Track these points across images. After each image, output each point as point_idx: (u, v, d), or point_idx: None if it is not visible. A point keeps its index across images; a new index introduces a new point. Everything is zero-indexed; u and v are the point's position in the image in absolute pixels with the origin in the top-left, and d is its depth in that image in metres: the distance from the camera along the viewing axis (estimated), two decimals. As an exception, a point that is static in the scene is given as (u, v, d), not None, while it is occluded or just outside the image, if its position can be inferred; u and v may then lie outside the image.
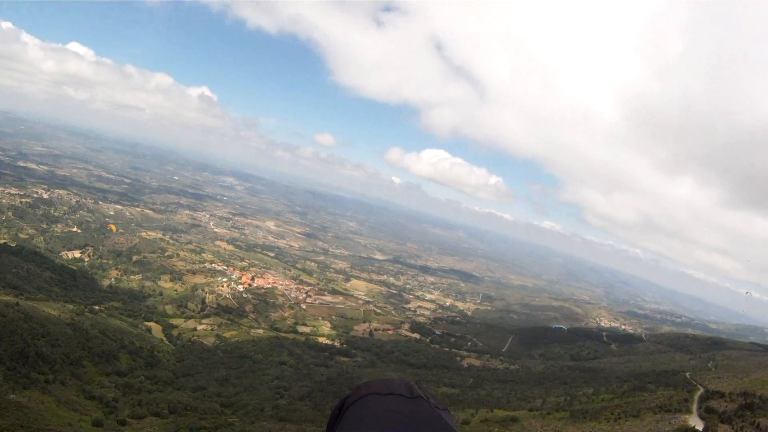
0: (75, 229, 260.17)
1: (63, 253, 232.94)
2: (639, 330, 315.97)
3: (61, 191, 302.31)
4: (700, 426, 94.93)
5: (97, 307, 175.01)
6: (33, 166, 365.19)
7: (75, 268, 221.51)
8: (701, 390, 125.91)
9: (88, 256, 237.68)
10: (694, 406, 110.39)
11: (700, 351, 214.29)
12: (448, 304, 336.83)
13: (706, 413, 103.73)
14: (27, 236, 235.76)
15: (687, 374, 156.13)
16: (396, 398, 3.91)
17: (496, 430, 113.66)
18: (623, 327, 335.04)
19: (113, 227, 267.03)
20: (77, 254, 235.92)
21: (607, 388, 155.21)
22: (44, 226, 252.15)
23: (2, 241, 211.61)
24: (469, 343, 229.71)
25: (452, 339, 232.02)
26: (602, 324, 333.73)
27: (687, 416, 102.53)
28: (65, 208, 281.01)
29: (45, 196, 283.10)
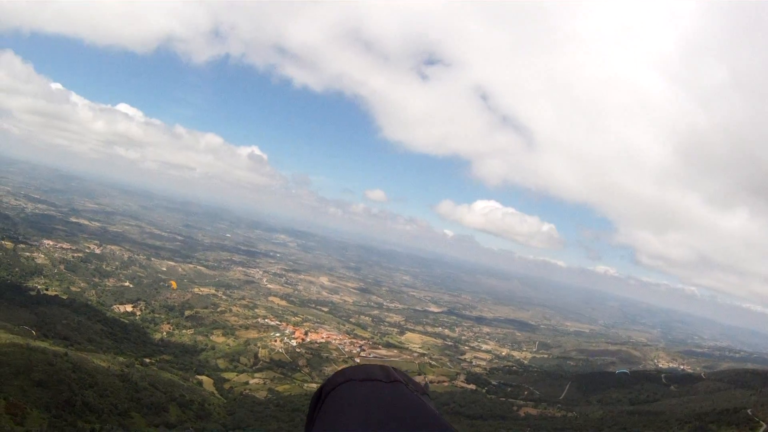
0: (127, 283, 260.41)
1: (115, 306, 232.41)
2: (698, 369, 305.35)
3: (113, 247, 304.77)
4: None
5: (147, 360, 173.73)
6: (85, 222, 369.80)
7: (126, 321, 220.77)
8: (764, 426, 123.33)
9: (140, 310, 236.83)
10: None
11: (761, 386, 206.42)
12: (504, 353, 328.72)
13: None
14: (79, 289, 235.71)
15: (749, 411, 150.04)
16: (374, 383, 3.83)
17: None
18: (681, 367, 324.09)
19: (174, 284, 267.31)
20: (129, 308, 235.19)
21: (667, 431, 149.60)
22: (96, 280, 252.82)
23: (54, 293, 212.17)
24: (526, 392, 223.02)
25: (508, 388, 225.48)
26: (660, 365, 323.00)
27: None
28: (117, 263, 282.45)
29: (97, 251, 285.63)
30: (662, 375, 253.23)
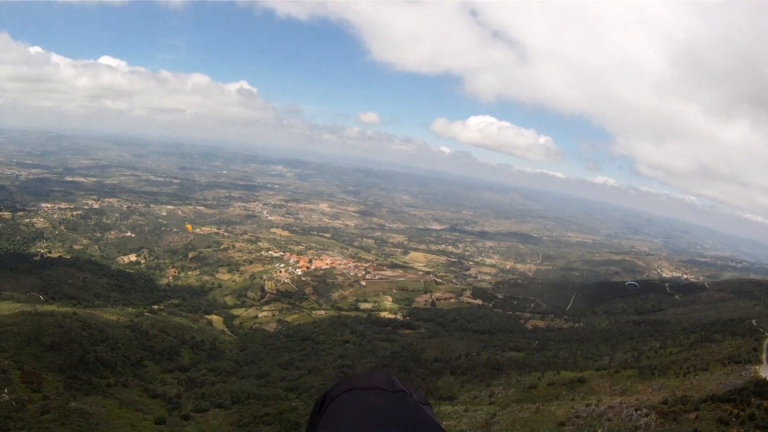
0: (128, 234, 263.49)
1: (119, 258, 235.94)
2: (701, 278, 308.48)
3: (111, 199, 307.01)
4: None
5: (156, 307, 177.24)
6: (81, 179, 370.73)
7: (132, 271, 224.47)
8: None
9: (144, 258, 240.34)
10: (764, 356, 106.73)
11: (764, 296, 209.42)
12: (508, 267, 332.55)
13: None
14: (81, 246, 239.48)
15: (753, 321, 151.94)
16: (378, 392, 3.83)
17: (563, 392, 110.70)
18: (685, 276, 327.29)
19: (189, 227, 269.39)
20: (133, 258, 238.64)
21: (673, 341, 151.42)
22: (97, 235, 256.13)
23: (57, 255, 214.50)
24: (532, 305, 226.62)
25: (515, 302, 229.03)
26: (664, 275, 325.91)
27: (757, 367, 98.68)
28: (117, 215, 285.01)
29: (96, 206, 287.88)
30: (666, 284, 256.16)
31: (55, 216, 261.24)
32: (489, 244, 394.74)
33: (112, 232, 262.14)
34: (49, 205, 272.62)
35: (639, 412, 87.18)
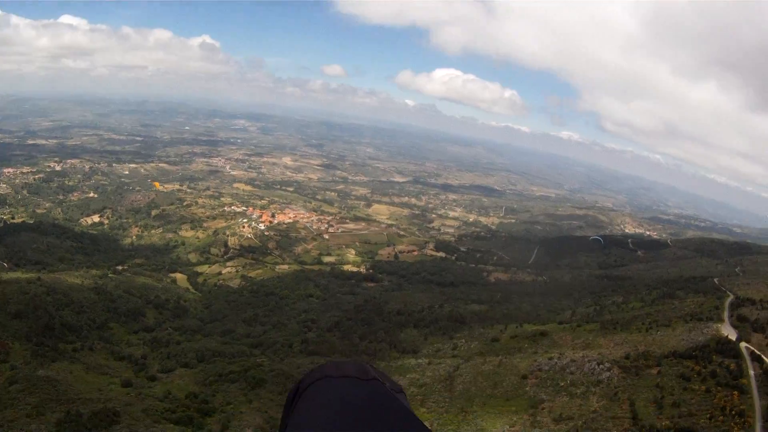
0: (91, 194, 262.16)
1: (82, 220, 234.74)
2: (664, 235, 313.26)
3: (73, 161, 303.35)
4: (732, 335, 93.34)
5: (120, 268, 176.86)
6: (42, 141, 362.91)
7: (95, 232, 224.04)
8: (731, 297, 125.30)
9: (107, 218, 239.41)
10: (725, 314, 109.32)
11: (727, 256, 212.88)
12: (471, 219, 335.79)
13: (739, 321, 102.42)
14: (44, 210, 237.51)
15: (715, 280, 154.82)
16: (350, 381, 3.86)
17: (526, 345, 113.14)
18: (648, 233, 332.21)
19: (157, 184, 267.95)
20: (96, 219, 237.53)
21: (636, 296, 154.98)
22: (60, 197, 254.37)
23: (20, 220, 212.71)
24: (495, 258, 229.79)
25: (478, 255, 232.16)
26: (627, 231, 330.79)
27: (719, 325, 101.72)
28: (79, 176, 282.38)
29: (58, 168, 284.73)
30: (629, 240, 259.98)
31: (17, 181, 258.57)
32: (452, 196, 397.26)
33: (75, 194, 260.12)
34: (11, 170, 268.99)
35: (601, 366, 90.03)
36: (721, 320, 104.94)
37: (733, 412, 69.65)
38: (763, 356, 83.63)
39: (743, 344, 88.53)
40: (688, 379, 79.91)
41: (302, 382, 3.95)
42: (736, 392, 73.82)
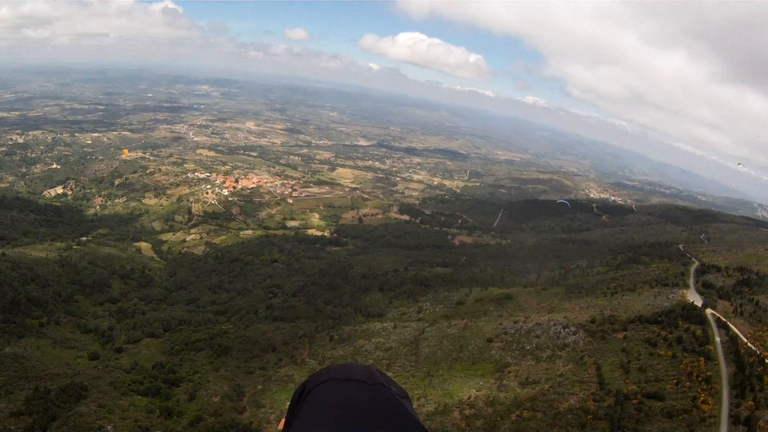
0: (54, 165, 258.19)
1: (45, 192, 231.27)
2: (629, 201, 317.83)
3: (35, 132, 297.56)
4: (698, 301, 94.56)
5: (84, 239, 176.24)
6: (4, 114, 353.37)
7: (59, 204, 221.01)
8: (696, 263, 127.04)
9: (71, 189, 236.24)
10: (691, 281, 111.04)
11: (692, 223, 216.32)
12: (435, 183, 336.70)
13: (704, 288, 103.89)
14: (7, 184, 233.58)
15: (681, 246, 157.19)
16: (356, 384, 3.81)
17: (491, 308, 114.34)
18: (613, 198, 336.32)
19: (126, 151, 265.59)
20: (60, 190, 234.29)
21: (601, 260, 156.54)
22: (23, 170, 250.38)
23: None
24: (460, 221, 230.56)
25: (442, 218, 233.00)
26: (592, 195, 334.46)
27: (684, 291, 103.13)
28: (42, 147, 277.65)
29: (20, 140, 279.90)
30: (594, 205, 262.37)
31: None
32: (416, 160, 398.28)
33: (38, 166, 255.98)
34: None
35: (567, 329, 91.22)
36: (686, 286, 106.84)
37: (700, 378, 70.58)
38: (729, 323, 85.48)
39: (709, 311, 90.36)
40: (654, 344, 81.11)
41: (307, 383, 3.92)
42: (702, 358, 74.84)
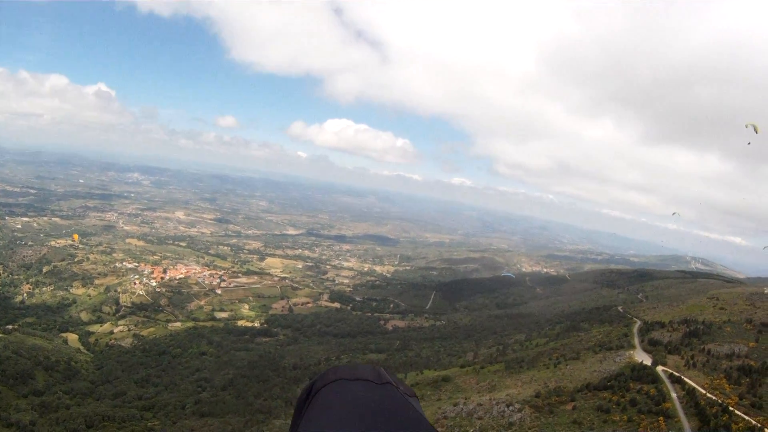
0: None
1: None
2: (561, 271, 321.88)
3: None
4: (647, 360, 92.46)
5: (10, 327, 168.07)
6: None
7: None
8: (639, 323, 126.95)
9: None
10: (636, 340, 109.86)
11: (628, 284, 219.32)
12: (366, 269, 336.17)
13: (651, 346, 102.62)
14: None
15: (620, 308, 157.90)
16: (364, 384, 3.75)
17: (428, 392, 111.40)
18: (545, 270, 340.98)
19: (76, 236, 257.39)
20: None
21: (539, 332, 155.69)
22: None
23: None
24: (392, 305, 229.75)
25: (374, 303, 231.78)
26: (524, 269, 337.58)
27: (631, 351, 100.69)
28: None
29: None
30: (526, 278, 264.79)
31: None
32: (346, 247, 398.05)
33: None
34: None
35: (511, 407, 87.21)
36: (632, 347, 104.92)
37: (662, 439, 68.15)
38: (683, 377, 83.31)
39: (660, 368, 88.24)
40: (607, 410, 76.94)
41: (314, 384, 3.86)
42: (661, 417, 70.83)
